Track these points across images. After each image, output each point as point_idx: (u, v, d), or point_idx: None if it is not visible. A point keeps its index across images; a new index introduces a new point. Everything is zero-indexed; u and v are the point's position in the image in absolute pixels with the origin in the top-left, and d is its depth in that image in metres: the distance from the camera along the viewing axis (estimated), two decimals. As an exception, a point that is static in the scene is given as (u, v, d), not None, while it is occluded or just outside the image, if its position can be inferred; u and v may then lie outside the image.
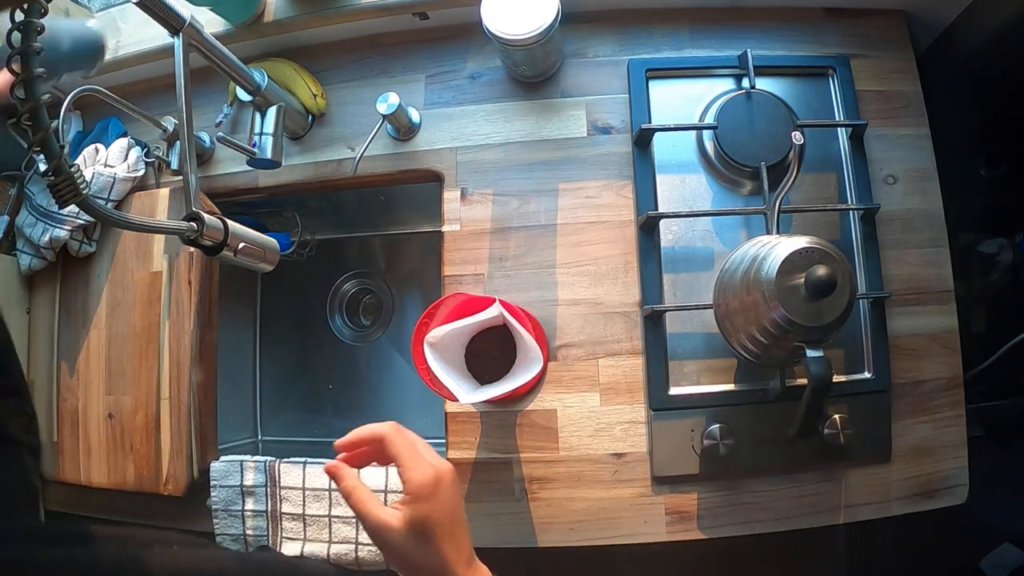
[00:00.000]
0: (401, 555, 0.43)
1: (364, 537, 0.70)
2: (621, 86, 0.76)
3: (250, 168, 0.77)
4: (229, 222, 0.53)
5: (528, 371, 0.62)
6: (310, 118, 0.82)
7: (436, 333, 0.61)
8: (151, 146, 0.83)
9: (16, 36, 0.39)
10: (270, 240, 0.59)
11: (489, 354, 0.71)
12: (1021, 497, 0.89)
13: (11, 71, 0.40)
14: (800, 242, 0.54)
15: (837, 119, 0.74)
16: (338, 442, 0.48)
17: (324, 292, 1.09)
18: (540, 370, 0.62)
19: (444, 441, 0.72)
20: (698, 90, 0.76)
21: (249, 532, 0.72)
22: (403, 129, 0.78)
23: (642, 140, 0.73)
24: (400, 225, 1.08)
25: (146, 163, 0.82)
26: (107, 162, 0.79)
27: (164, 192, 0.80)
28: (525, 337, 0.62)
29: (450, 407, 0.72)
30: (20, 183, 0.84)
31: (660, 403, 0.68)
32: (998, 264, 0.94)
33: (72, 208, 0.69)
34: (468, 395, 0.61)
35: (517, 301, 0.72)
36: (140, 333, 0.77)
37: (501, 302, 0.61)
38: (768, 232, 0.66)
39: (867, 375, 0.69)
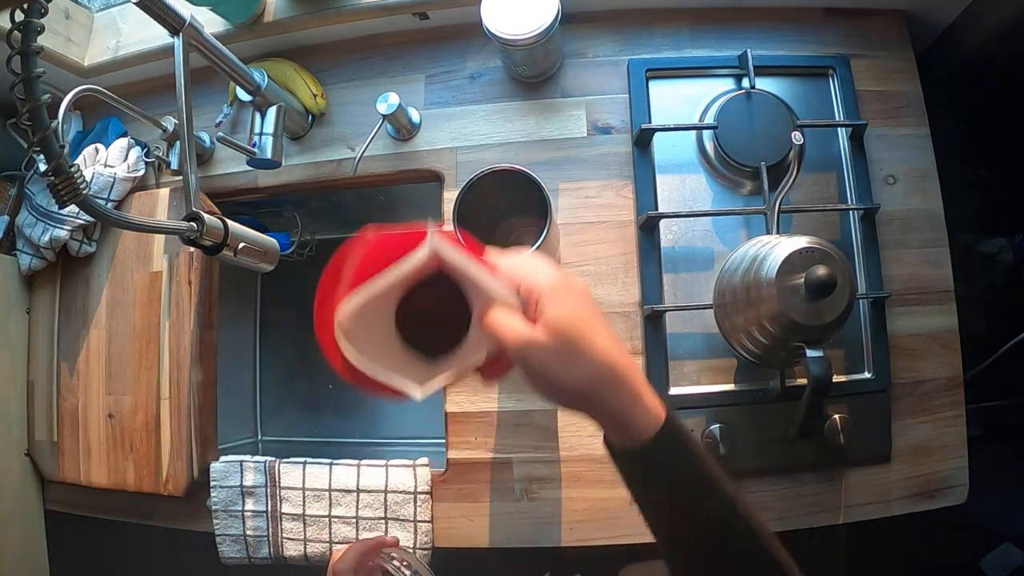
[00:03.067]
0: (556, 374, 0.36)
1: (364, 537, 0.70)
2: (621, 86, 0.76)
3: (250, 168, 0.77)
4: (229, 222, 0.53)
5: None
6: (310, 118, 0.82)
7: (348, 310, 0.40)
8: (151, 146, 0.83)
9: (16, 36, 0.39)
10: (270, 240, 0.59)
11: (432, 315, 0.44)
12: (1021, 497, 0.89)
13: (11, 71, 0.40)
14: (800, 242, 0.54)
15: (837, 119, 0.74)
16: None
17: (324, 292, 1.09)
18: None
19: (444, 441, 0.72)
20: (698, 90, 0.76)
21: (249, 532, 0.72)
22: (403, 129, 0.78)
23: (642, 140, 0.73)
24: (400, 225, 1.08)
25: (146, 163, 0.82)
26: (107, 162, 0.79)
27: (164, 192, 0.80)
28: (480, 280, 0.39)
29: (451, 406, 0.72)
30: (20, 183, 0.84)
31: (660, 403, 0.68)
32: (998, 264, 0.94)
33: (72, 208, 0.70)
34: (422, 386, 0.40)
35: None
36: (140, 333, 0.77)
37: (440, 232, 0.41)
38: (768, 232, 0.66)
39: (867, 375, 0.69)
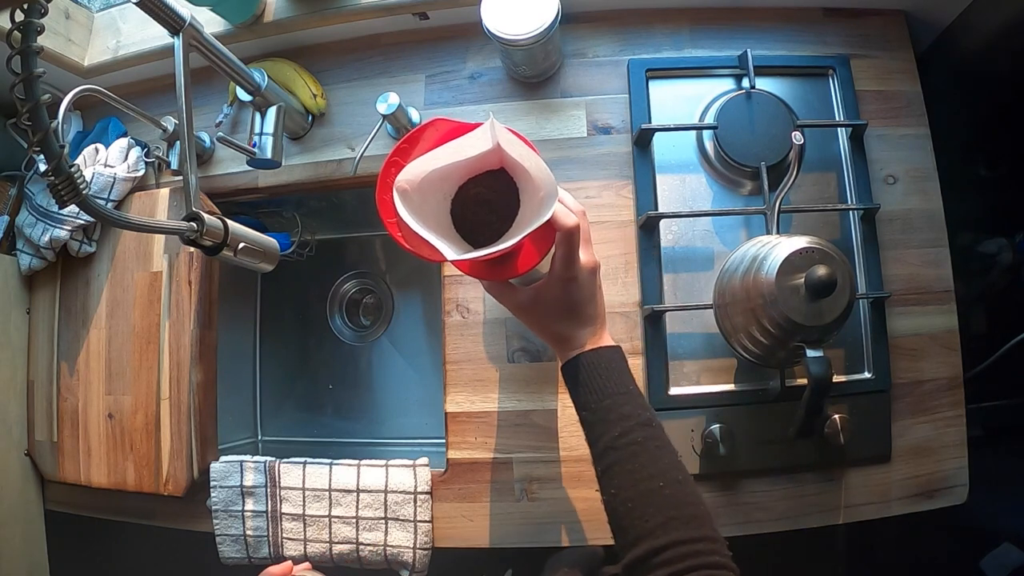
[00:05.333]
0: (540, 325, 0.52)
1: (364, 537, 0.70)
2: (621, 86, 0.76)
3: (250, 168, 0.77)
4: (229, 222, 0.53)
5: (540, 211, 0.44)
6: (310, 118, 0.82)
7: (409, 174, 0.44)
8: (151, 146, 0.83)
9: (16, 36, 0.39)
10: (270, 240, 0.59)
11: (484, 203, 0.49)
12: (1021, 497, 0.89)
13: (11, 71, 0.40)
14: (800, 242, 0.54)
15: (837, 119, 0.74)
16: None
17: (324, 292, 1.09)
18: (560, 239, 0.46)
19: (444, 441, 0.72)
20: (698, 90, 0.76)
21: (249, 532, 0.72)
22: (403, 129, 0.77)
23: (642, 140, 0.73)
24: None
25: (146, 163, 0.82)
26: (107, 162, 0.79)
27: (164, 192, 0.80)
28: (532, 167, 0.44)
29: (451, 406, 0.72)
30: (20, 183, 0.84)
31: (660, 403, 0.68)
32: (998, 264, 0.94)
33: (72, 208, 0.70)
34: (459, 253, 0.44)
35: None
36: (140, 333, 0.77)
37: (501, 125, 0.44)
38: (768, 232, 0.66)
39: (867, 375, 0.69)
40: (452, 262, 0.45)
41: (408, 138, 0.48)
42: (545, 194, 0.44)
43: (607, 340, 0.51)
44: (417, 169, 0.45)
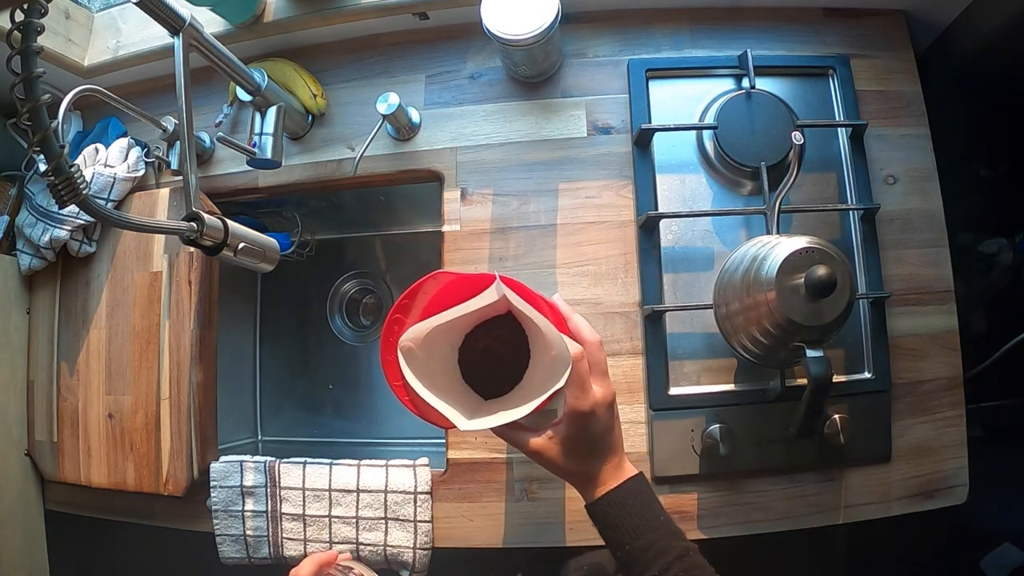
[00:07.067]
0: (557, 466, 0.50)
1: (364, 537, 0.70)
2: (621, 86, 0.76)
3: (250, 168, 0.77)
4: (229, 222, 0.53)
5: (551, 376, 0.44)
6: (310, 118, 0.82)
7: (414, 333, 0.45)
8: (151, 146, 0.83)
9: (16, 36, 0.39)
10: (270, 240, 0.59)
11: (493, 355, 0.50)
12: (1021, 497, 0.89)
13: (11, 71, 0.40)
14: (800, 242, 0.54)
15: (837, 119, 0.74)
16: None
17: (324, 292, 1.09)
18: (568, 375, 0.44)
19: (444, 441, 0.72)
20: (698, 90, 0.76)
21: (249, 532, 0.72)
22: (403, 129, 0.78)
23: (642, 140, 0.73)
24: (400, 225, 1.08)
25: (146, 163, 0.82)
26: (107, 162, 0.79)
27: (164, 192, 0.80)
28: (542, 327, 0.44)
29: (450, 407, 0.72)
30: (20, 183, 0.84)
31: (660, 403, 0.68)
32: (998, 264, 0.94)
33: (72, 208, 0.70)
34: (470, 420, 0.45)
35: (517, 301, 0.72)
36: (140, 333, 0.77)
37: (503, 279, 0.44)
38: (768, 232, 0.66)
39: (867, 375, 0.69)
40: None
41: (408, 293, 0.47)
42: (557, 354, 0.44)
43: (628, 468, 0.50)
44: (421, 328, 0.45)
